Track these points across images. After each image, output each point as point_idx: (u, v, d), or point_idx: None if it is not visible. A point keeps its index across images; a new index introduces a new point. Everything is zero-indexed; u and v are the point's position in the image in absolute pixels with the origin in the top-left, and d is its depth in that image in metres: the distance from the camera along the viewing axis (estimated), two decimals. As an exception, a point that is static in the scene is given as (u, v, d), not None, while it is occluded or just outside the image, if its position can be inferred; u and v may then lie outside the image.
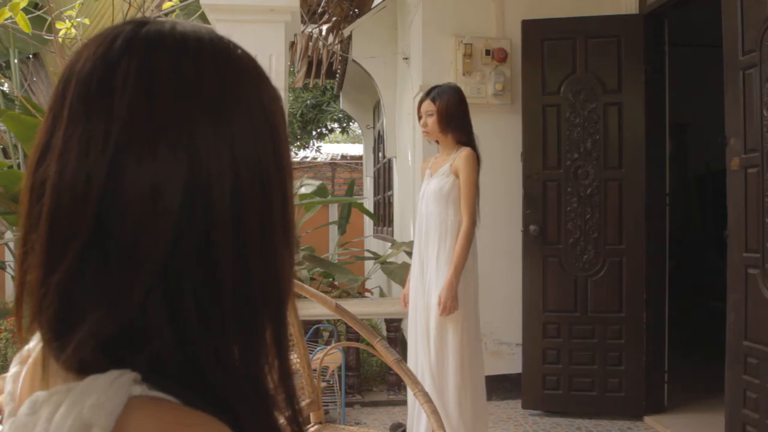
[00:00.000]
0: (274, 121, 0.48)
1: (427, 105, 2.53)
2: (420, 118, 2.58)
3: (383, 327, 3.80)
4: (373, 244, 6.84)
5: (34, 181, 0.43)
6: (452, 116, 2.49)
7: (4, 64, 4.86)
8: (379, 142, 6.64)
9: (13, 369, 0.50)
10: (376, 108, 6.72)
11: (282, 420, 0.48)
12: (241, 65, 0.47)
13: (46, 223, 0.42)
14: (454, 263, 2.39)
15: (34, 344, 0.50)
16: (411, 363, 2.57)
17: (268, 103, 0.48)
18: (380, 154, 6.48)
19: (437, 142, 2.61)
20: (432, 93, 2.55)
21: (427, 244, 2.51)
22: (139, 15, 3.78)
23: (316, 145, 11.56)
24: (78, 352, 0.40)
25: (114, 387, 0.39)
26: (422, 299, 2.50)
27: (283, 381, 0.49)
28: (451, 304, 2.35)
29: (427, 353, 2.43)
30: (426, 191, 2.55)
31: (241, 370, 0.45)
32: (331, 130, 11.76)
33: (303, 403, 1.73)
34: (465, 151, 2.46)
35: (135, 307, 0.41)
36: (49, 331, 0.42)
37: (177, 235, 0.41)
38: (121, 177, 0.40)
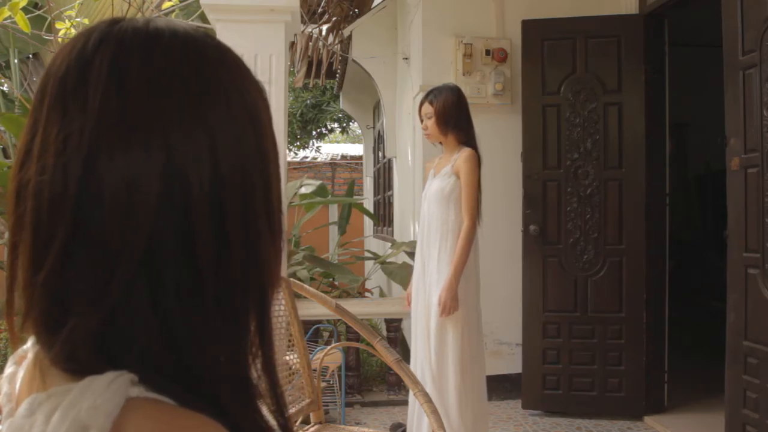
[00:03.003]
0: (254, 111, 0.48)
1: (426, 108, 2.54)
2: (421, 121, 2.58)
3: (383, 327, 3.80)
4: (373, 244, 6.84)
5: (19, 184, 0.43)
6: (450, 116, 2.49)
7: (4, 64, 4.86)
8: (379, 142, 6.64)
9: (8, 369, 0.50)
10: (376, 108, 6.73)
11: (266, 411, 0.48)
12: (217, 56, 0.47)
13: (30, 224, 0.42)
14: (454, 264, 2.39)
15: (31, 344, 0.50)
16: (411, 362, 2.57)
17: (248, 93, 0.48)
18: (380, 154, 6.48)
19: (441, 143, 2.61)
20: (430, 95, 2.55)
21: (428, 244, 2.51)
22: (139, 15, 3.78)
23: (316, 145, 11.57)
24: (65, 347, 0.40)
25: (111, 388, 0.39)
26: (423, 299, 2.50)
27: (267, 370, 0.49)
28: (450, 304, 2.35)
29: (428, 353, 2.43)
30: (428, 192, 2.56)
31: (225, 359, 0.45)
32: (331, 130, 11.77)
33: (303, 403, 1.73)
34: (466, 152, 2.46)
35: (117, 300, 0.41)
36: (39, 329, 0.42)
37: (156, 226, 0.41)
38: (95, 172, 0.41)
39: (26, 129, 0.45)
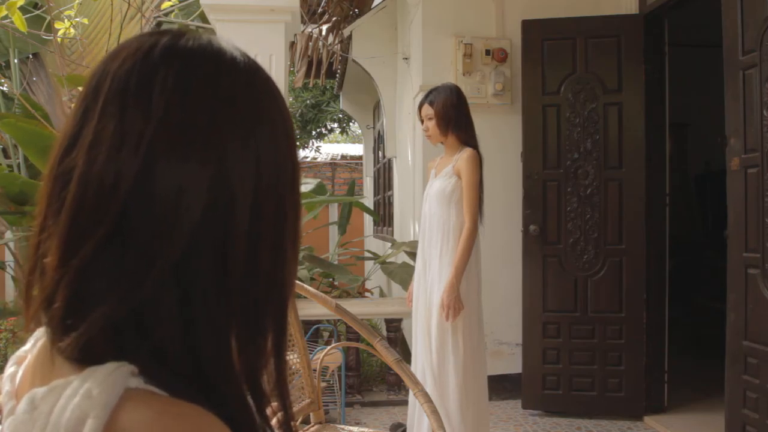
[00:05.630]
0: (292, 136, 0.51)
1: (426, 109, 2.53)
2: (422, 122, 2.57)
3: (383, 327, 3.80)
4: (373, 244, 6.84)
5: (60, 169, 0.44)
6: (451, 117, 2.49)
7: (4, 64, 4.86)
8: (379, 142, 6.64)
9: (9, 369, 0.50)
10: (376, 108, 6.73)
11: (273, 421, 0.50)
12: (268, 84, 0.50)
13: (69, 210, 0.43)
14: (455, 264, 2.38)
15: (31, 346, 0.51)
16: (412, 362, 2.56)
17: (288, 119, 0.51)
18: (380, 154, 6.48)
19: (442, 143, 2.61)
20: (429, 96, 2.54)
21: (430, 244, 2.51)
22: (138, 15, 3.78)
23: (316, 145, 11.56)
24: (86, 334, 0.41)
25: (110, 379, 0.40)
26: (424, 299, 2.50)
27: (278, 380, 0.51)
28: (454, 305, 2.35)
29: (429, 353, 2.43)
30: (429, 192, 2.56)
31: (239, 366, 0.47)
32: (331, 130, 11.76)
33: (303, 403, 1.73)
34: (467, 152, 2.46)
35: (146, 298, 0.42)
36: (61, 311, 0.43)
37: (196, 235, 0.43)
38: (151, 175, 0.42)
39: (73, 118, 0.46)
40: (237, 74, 0.47)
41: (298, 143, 11.43)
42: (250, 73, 0.49)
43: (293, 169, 0.50)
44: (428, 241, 2.52)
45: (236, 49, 0.49)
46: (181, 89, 0.44)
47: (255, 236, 0.46)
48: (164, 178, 0.42)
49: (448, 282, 2.37)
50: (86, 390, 0.39)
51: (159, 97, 0.43)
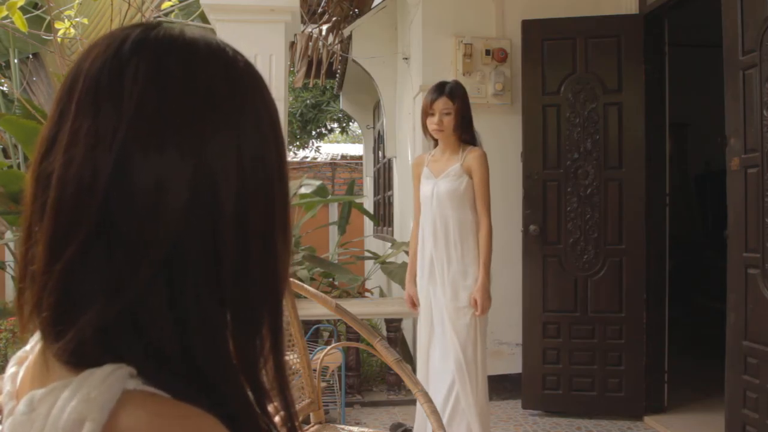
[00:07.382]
0: (278, 127, 0.49)
1: (444, 103, 2.42)
2: (431, 115, 2.46)
3: (383, 327, 3.80)
4: (373, 244, 6.84)
5: (40, 173, 0.44)
6: (465, 115, 2.48)
7: (4, 64, 4.86)
8: (379, 142, 6.64)
9: (10, 369, 0.50)
10: (376, 108, 6.73)
11: (276, 417, 0.49)
12: (249, 73, 0.49)
13: (51, 214, 0.42)
14: (483, 263, 2.39)
15: (32, 346, 0.51)
16: (420, 364, 2.55)
17: (273, 109, 0.49)
18: (380, 154, 6.48)
19: (434, 140, 2.55)
20: (445, 90, 2.45)
21: (447, 245, 2.45)
22: (138, 15, 3.78)
23: (316, 145, 11.57)
24: (77, 337, 0.41)
25: (108, 381, 0.39)
26: (443, 301, 2.45)
27: (278, 376, 0.50)
28: (487, 304, 2.39)
29: (458, 353, 2.40)
30: (437, 192, 2.47)
31: (237, 364, 0.46)
32: (331, 130, 11.77)
33: (303, 403, 1.73)
34: (477, 151, 2.44)
35: (137, 298, 0.41)
36: (49, 318, 0.42)
37: (181, 229, 0.42)
38: (127, 170, 0.41)
39: (50, 120, 0.45)
40: (214, 64, 0.46)
41: (298, 143, 11.39)
42: (228, 63, 0.47)
43: (280, 158, 0.49)
44: (444, 242, 2.46)
45: (213, 39, 0.48)
46: (153, 82, 0.43)
47: (243, 230, 0.45)
48: (142, 174, 0.41)
49: (480, 282, 2.39)
50: (84, 392, 0.39)
51: (131, 91, 0.42)
